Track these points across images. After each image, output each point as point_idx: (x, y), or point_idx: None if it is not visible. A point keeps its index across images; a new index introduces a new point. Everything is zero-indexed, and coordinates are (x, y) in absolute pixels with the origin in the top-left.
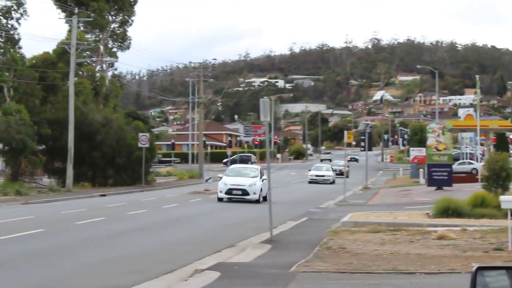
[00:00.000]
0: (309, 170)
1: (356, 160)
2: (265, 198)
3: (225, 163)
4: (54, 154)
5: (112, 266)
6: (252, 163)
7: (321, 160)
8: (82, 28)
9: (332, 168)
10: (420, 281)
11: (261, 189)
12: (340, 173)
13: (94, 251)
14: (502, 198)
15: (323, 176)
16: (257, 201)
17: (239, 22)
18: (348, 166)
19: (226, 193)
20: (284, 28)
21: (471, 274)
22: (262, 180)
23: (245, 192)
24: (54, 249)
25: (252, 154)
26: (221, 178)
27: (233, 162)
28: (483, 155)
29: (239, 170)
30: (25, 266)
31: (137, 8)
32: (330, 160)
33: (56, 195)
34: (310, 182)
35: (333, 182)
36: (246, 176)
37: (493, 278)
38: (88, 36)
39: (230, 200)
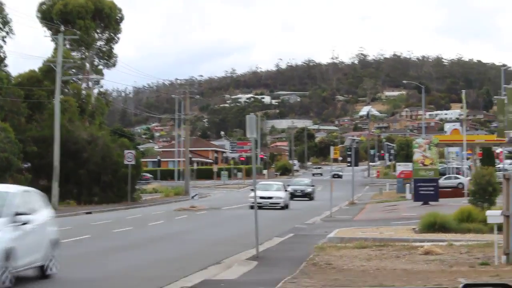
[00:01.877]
0: (252, 189)
1: (339, 176)
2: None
3: None
4: (39, 172)
5: (97, 284)
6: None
7: (313, 174)
8: (68, 46)
9: (285, 188)
10: None
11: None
12: (303, 195)
13: (79, 269)
14: (488, 212)
15: (270, 198)
16: None
17: (227, 39)
18: (313, 186)
19: None
20: (270, 45)
21: None
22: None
23: None
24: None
25: (149, 174)
26: None
27: None
28: (470, 169)
29: None
30: None
31: (123, 25)
32: (321, 174)
33: None
34: (252, 207)
35: (285, 207)
36: None
37: None
38: (74, 53)
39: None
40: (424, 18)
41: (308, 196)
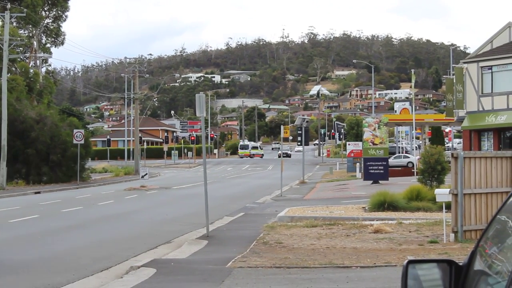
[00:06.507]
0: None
1: (288, 155)
2: None
3: None
4: None
5: (46, 264)
6: None
7: (272, 149)
8: (15, 24)
9: None
10: (355, 275)
11: None
12: None
13: (28, 249)
14: (437, 191)
15: None
16: None
17: (178, 18)
18: None
19: None
20: (222, 24)
21: (403, 267)
22: None
23: None
24: None
25: None
26: None
27: None
28: (419, 148)
29: None
30: None
31: (73, 3)
32: (279, 149)
33: None
34: None
35: None
36: None
37: (424, 271)
38: (22, 31)
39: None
40: None
41: None
